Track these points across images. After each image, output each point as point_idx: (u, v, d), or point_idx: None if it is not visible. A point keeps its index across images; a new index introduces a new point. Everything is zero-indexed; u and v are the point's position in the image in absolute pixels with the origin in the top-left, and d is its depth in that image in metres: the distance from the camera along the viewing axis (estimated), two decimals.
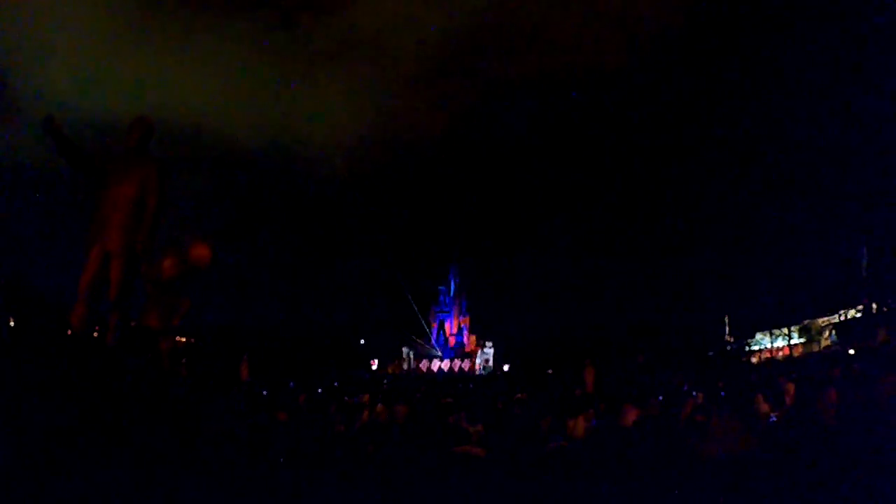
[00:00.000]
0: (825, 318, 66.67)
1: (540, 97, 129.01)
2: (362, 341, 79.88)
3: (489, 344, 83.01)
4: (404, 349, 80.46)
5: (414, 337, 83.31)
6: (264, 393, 23.66)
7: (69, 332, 7.88)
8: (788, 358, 56.27)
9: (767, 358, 64.39)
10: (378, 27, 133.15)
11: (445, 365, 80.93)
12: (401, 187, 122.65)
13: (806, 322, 68.93)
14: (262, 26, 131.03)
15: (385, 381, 48.51)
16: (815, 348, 62.03)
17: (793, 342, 68.53)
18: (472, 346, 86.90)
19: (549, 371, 54.93)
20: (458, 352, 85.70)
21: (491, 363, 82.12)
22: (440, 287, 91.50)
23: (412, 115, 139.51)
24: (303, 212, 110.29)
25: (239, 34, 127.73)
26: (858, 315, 57.76)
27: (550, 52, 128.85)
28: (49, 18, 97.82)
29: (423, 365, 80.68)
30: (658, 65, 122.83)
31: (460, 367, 79.41)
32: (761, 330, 72.44)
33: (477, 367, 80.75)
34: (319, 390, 29.60)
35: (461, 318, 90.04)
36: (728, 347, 71.23)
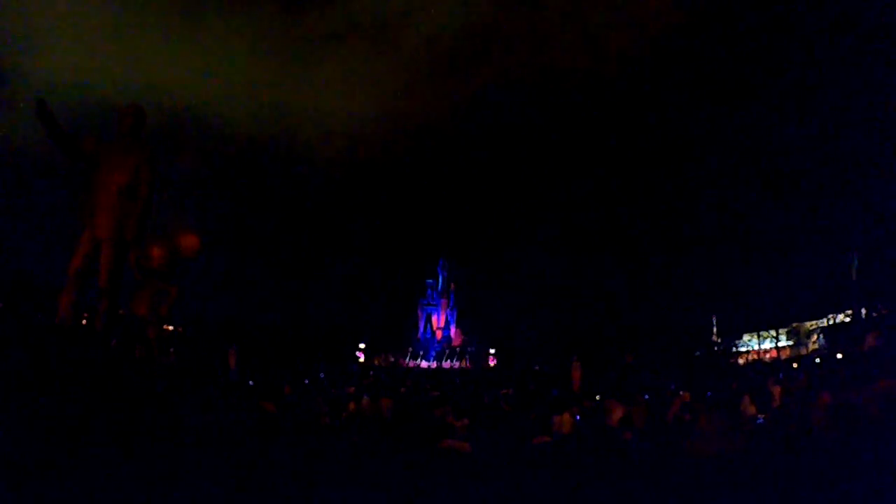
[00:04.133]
0: (813, 322, 66.91)
1: (536, 94, 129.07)
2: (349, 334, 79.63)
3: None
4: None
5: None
6: (251, 383, 23.63)
7: (57, 318, 7.85)
8: (776, 360, 56.42)
9: (754, 359, 64.60)
10: (381, 18, 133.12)
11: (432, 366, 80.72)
12: (393, 180, 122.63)
13: (794, 325, 69.15)
14: (265, 12, 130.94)
15: (371, 374, 48.48)
16: (803, 351, 62.26)
17: (780, 344, 68.72)
18: (459, 341, 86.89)
19: (536, 367, 54.99)
20: (445, 347, 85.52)
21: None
22: (428, 280, 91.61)
23: (409, 107, 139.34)
24: (294, 203, 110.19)
25: (242, 19, 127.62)
26: (847, 320, 57.95)
27: (552, 48, 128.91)
28: (48, 4, 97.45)
29: (411, 364, 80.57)
30: (655, 66, 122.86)
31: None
32: (749, 331, 72.59)
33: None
34: (306, 381, 29.59)
35: (449, 311, 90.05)
36: (715, 348, 71.34)
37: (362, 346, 76.78)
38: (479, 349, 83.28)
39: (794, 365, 38.43)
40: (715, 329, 74.87)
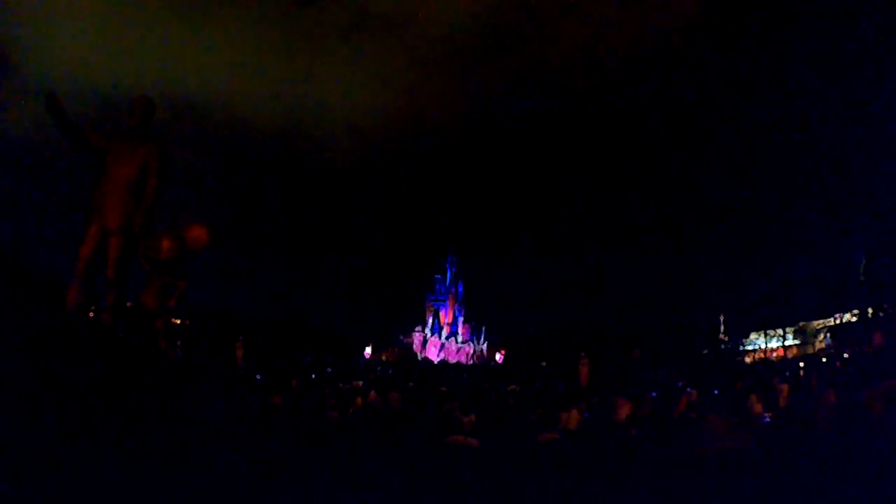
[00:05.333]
0: (820, 321, 66.76)
1: (546, 90, 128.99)
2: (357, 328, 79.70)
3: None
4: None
5: None
6: (258, 377, 23.66)
7: (64, 311, 7.87)
8: (782, 359, 56.30)
9: (761, 358, 64.49)
10: (391, 13, 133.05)
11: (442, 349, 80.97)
12: (402, 175, 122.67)
13: (801, 324, 69.04)
14: (275, 4, 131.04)
15: (378, 369, 48.48)
16: (810, 350, 62.10)
17: (787, 343, 68.61)
18: (467, 337, 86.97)
19: (544, 363, 54.97)
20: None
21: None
22: (436, 275, 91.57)
23: (418, 102, 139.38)
24: (304, 197, 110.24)
25: (251, 12, 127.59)
26: (854, 319, 57.85)
27: (561, 44, 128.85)
28: None
29: (416, 340, 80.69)
30: (662, 63, 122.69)
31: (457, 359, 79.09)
32: (756, 330, 72.52)
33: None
34: (313, 376, 29.61)
35: (456, 307, 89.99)
36: (722, 346, 71.30)
37: (368, 349, 76.85)
38: (487, 345, 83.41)
39: (801, 364, 38.33)
40: (722, 327, 74.88)
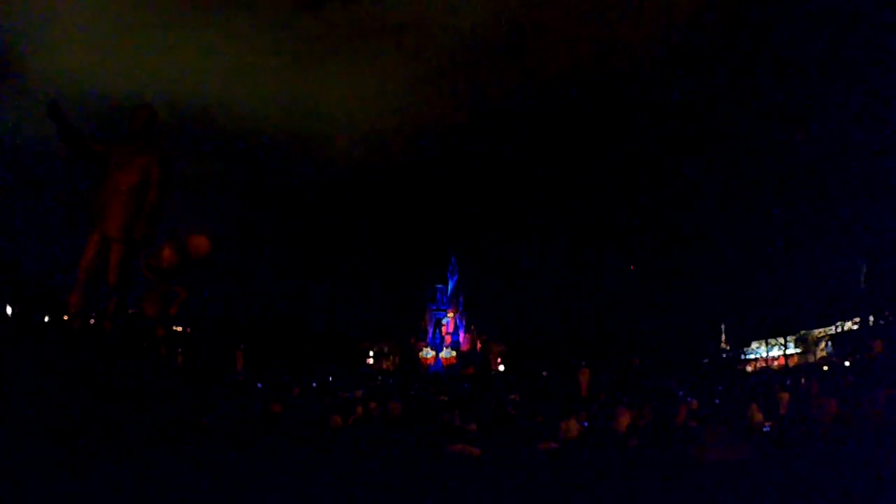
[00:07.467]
0: (821, 329, 66.57)
1: (545, 96, 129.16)
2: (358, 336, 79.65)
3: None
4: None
5: None
6: (259, 385, 23.65)
7: (66, 317, 7.89)
8: (783, 368, 56.23)
9: (762, 367, 64.38)
10: (395, 16, 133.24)
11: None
12: (405, 182, 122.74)
13: (802, 332, 68.86)
14: (284, 7, 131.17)
15: (379, 378, 48.44)
16: (811, 359, 62.03)
17: (788, 352, 68.45)
18: (469, 346, 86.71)
19: (544, 373, 54.89)
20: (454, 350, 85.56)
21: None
22: (438, 285, 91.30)
23: (423, 106, 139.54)
24: (305, 204, 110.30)
25: (259, 15, 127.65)
26: (855, 327, 57.74)
27: (564, 49, 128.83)
28: None
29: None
30: (664, 68, 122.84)
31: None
32: (757, 339, 72.33)
33: None
34: (314, 384, 29.60)
35: (458, 316, 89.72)
36: (723, 355, 71.13)
37: (371, 356, 76.87)
38: (487, 352, 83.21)
39: (802, 372, 38.32)
40: (723, 336, 74.70)
